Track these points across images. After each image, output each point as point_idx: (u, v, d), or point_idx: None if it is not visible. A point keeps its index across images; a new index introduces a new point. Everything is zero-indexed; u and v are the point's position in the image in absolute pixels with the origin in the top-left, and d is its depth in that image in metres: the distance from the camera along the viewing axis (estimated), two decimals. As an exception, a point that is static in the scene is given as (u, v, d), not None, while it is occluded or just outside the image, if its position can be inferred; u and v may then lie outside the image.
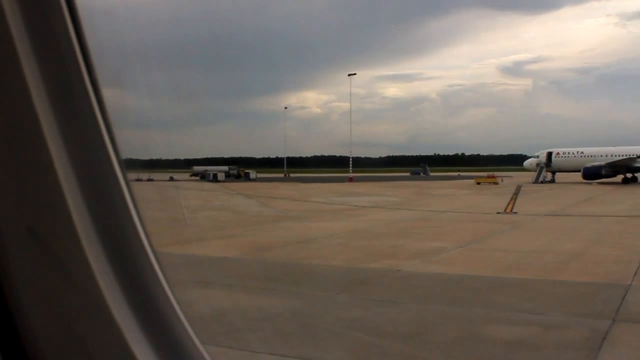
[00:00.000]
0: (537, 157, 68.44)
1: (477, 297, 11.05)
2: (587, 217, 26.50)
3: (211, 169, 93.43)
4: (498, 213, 28.55)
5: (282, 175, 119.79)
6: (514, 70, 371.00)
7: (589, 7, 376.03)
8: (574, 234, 20.31)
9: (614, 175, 62.58)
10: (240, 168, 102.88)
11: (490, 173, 70.60)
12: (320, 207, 34.50)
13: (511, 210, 29.66)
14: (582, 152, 66.27)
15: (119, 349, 1.44)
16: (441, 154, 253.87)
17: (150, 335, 1.51)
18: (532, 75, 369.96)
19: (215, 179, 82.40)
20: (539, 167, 66.20)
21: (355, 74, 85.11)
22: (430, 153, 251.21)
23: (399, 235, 20.28)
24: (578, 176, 66.76)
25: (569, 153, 66.89)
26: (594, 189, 52.44)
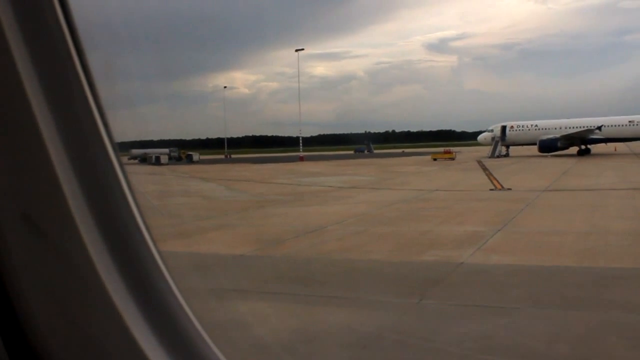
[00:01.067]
0: (492, 131, 67.86)
1: (596, 295, 9.02)
2: (591, 191, 25.12)
3: (151, 151, 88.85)
4: (491, 190, 26.92)
5: (222, 156, 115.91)
6: (440, 47, 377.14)
7: None
8: (603, 210, 18.71)
9: (568, 147, 62.67)
10: (180, 150, 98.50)
11: (447, 148, 69.63)
12: (294, 189, 32.02)
13: (502, 187, 27.96)
14: (536, 125, 66.11)
15: (121, 336, 1.41)
16: (371, 131, 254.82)
17: (151, 322, 1.48)
18: (457, 51, 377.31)
19: (158, 162, 78.19)
20: (494, 142, 65.59)
21: (303, 49, 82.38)
22: (361, 131, 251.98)
23: (414, 219, 18.14)
24: (531, 149, 66.71)
25: (523, 126, 66.60)
26: (557, 161, 52.04)
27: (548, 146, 61.98)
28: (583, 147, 62.86)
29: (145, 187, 35.55)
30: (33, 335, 1.41)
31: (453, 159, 62.83)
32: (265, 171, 54.05)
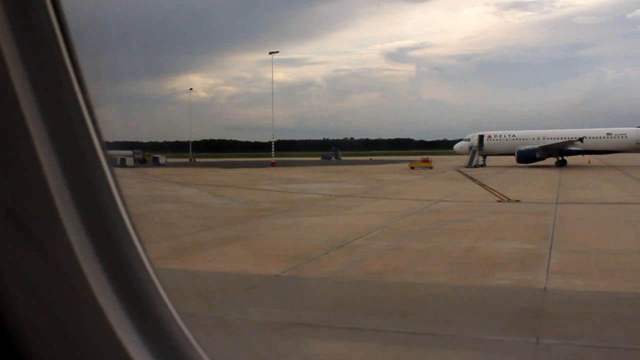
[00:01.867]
0: (469, 140, 67.07)
1: None
2: (608, 205, 24.01)
3: (114, 153, 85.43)
4: (499, 202, 25.54)
5: (187, 160, 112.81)
6: (398, 56, 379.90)
7: None
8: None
9: (546, 158, 62.30)
10: (145, 152, 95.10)
11: (425, 157, 68.50)
12: (285, 196, 30.14)
13: (507, 198, 26.62)
14: (513, 135, 65.59)
15: (106, 337, 1.41)
16: (330, 138, 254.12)
17: (137, 322, 1.48)
18: (415, 61, 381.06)
19: (123, 164, 75.02)
20: (472, 151, 64.76)
21: (277, 51, 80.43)
22: (320, 137, 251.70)
23: (444, 234, 16.52)
24: (508, 160, 66.16)
25: (500, 136, 66.00)
26: (541, 172, 51.37)
27: (527, 156, 61.47)
28: (560, 158, 62.52)
29: (128, 192, 33.17)
30: (17, 334, 1.39)
31: (431, 167, 61.70)
32: (241, 176, 51.97)
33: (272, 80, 79.93)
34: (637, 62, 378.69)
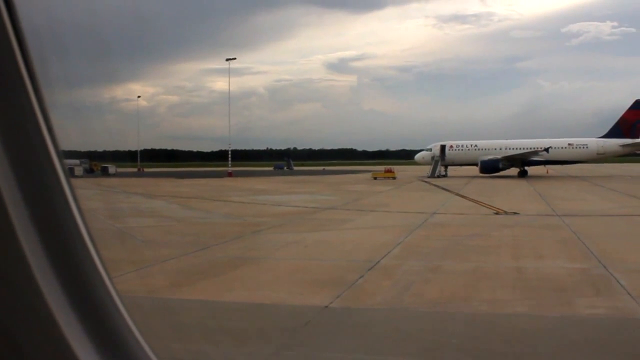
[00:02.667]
0: (430, 150, 66.48)
1: None
2: (614, 217, 23.11)
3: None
4: (497, 214, 24.32)
5: (135, 169, 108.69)
6: (340, 66, 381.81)
7: (409, 8, 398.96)
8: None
9: (509, 168, 62.23)
10: (91, 162, 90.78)
11: (388, 167, 67.38)
12: (265, 209, 28.24)
13: (504, 210, 25.46)
14: (475, 145, 65.36)
15: (57, 346, 1.38)
16: (273, 148, 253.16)
17: (90, 330, 1.45)
18: (356, 71, 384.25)
19: (72, 173, 70.42)
20: (434, 161, 64.09)
21: (234, 58, 78.08)
22: (263, 147, 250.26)
23: (475, 251, 15.07)
24: (469, 170, 65.87)
25: (462, 146, 65.65)
26: (510, 182, 50.98)
27: (490, 167, 61.22)
28: (521, 168, 62.57)
29: (85, 204, 30.53)
30: None
31: (394, 178, 60.66)
32: (203, 187, 49.61)
33: (229, 90, 77.72)
34: (572, 75, 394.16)
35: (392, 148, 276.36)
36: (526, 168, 63.15)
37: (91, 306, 1.49)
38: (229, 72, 72.20)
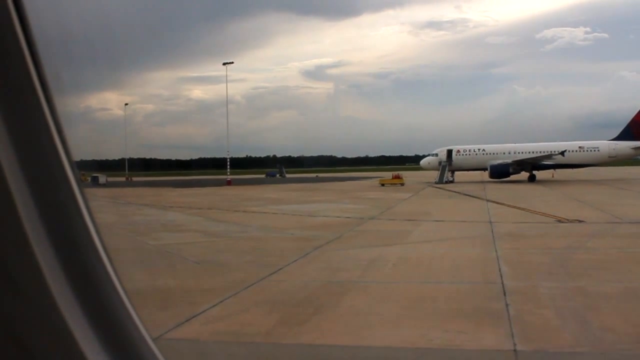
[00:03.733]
0: (436, 155, 64.52)
1: None
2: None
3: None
4: (560, 222, 22.35)
5: (123, 179, 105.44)
6: (316, 74, 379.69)
7: (385, 15, 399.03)
8: None
9: (519, 172, 60.59)
10: (80, 171, 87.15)
11: (396, 173, 65.35)
12: (303, 220, 26.02)
13: (565, 218, 23.47)
14: (483, 150, 63.59)
15: (66, 347, 1.39)
16: (252, 155, 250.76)
17: (100, 333, 1.46)
18: (333, 79, 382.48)
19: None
20: (442, 166, 62.17)
21: (232, 62, 75.55)
22: (242, 155, 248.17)
23: (600, 268, 13.02)
24: (477, 175, 64.15)
25: (469, 150, 63.88)
26: (527, 187, 49.22)
27: (500, 171, 59.51)
28: (531, 173, 60.95)
29: (99, 217, 28.01)
30: None
31: (403, 184, 58.69)
32: (211, 197, 47.15)
33: (227, 94, 75.21)
34: (546, 80, 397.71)
35: (371, 154, 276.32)
36: (534, 172, 61.46)
37: (100, 306, 1.46)
38: (226, 77, 70.12)
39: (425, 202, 36.22)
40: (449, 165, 62.60)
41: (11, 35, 1.37)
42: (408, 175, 69.24)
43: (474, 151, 63.76)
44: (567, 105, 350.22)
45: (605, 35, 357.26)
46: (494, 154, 62.53)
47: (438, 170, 63.14)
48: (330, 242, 18.18)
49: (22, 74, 1.39)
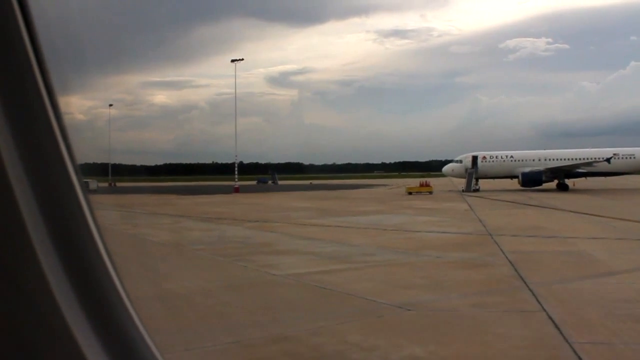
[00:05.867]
0: (460, 162, 60.31)
1: None
2: None
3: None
4: None
5: (106, 184, 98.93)
6: (281, 80, 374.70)
7: (350, 22, 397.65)
8: None
9: (551, 180, 56.90)
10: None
11: (424, 180, 61.06)
12: (416, 238, 21.32)
13: None
14: (511, 157, 59.70)
15: (66, 346, 1.39)
16: (219, 162, 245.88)
17: (104, 340, 1.46)
18: (298, 86, 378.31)
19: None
20: (468, 173, 58.00)
21: (242, 59, 70.40)
22: (208, 161, 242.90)
23: None
24: (504, 183, 60.28)
25: (496, 157, 59.92)
26: (581, 198, 45.28)
27: (533, 179, 55.69)
28: (561, 181, 57.29)
29: (152, 234, 22.95)
30: None
31: (431, 192, 54.48)
32: (237, 206, 42.08)
33: (235, 93, 69.70)
34: (509, 89, 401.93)
35: (338, 162, 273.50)
36: (570, 180, 57.77)
37: (100, 306, 1.44)
38: (235, 76, 64.98)
39: (501, 213, 31.75)
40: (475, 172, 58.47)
41: (14, 36, 1.35)
42: (385, 184, 64.87)
43: (501, 158, 59.84)
44: (529, 115, 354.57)
45: (567, 46, 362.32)
46: (522, 160, 58.73)
47: (463, 177, 59.12)
48: (532, 271, 13.55)
49: (27, 76, 1.36)
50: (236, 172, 69.42)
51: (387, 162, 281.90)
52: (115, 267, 1.53)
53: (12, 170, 1.34)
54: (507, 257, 15.66)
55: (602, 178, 61.09)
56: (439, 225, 24.99)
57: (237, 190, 64.52)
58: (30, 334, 1.35)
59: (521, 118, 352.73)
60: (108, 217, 32.85)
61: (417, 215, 31.21)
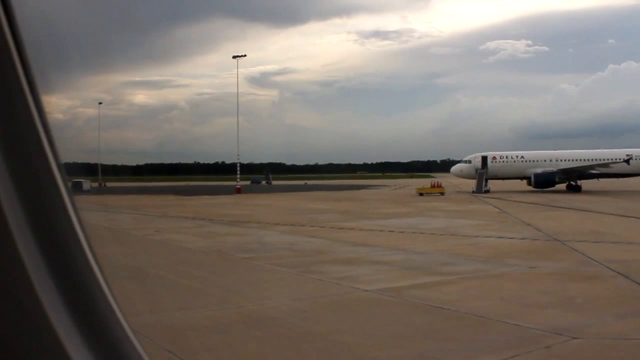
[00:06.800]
0: (469, 162, 58.65)
1: None
2: None
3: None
4: None
5: (96, 184, 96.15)
6: (261, 80, 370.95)
7: (331, 23, 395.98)
8: None
9: (564, 182, 55.52)
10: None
11: (435, 181, 59.26)
12: (481, 244, 19.51)
13: None
14: (522, 157, 58.22)
15: (51, 347, 1.38)
16: (200, 162, 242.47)
17: (84, 331, 1.45)
18: (278, 86, 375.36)
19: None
20: (479, 174, 56.39)
21: (245, 55, 67.96)
22: (190, 161, 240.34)
23: None
24: (510, 184, 58.76)
25: (506, 157, 58.38)
26: (600, 199, 43.84)
27: (545, 180, 54.26)
28: (573, 183, 55.85)
29: (188, 241, 20.92)
30: None
31: (443, 194, 52.83)
32: (252, 208, 40.01)
33: (237, 93, 67.50)
34: (489, 90, 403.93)
35: (320, 162, 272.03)
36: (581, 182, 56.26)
37: (86, 306, 1.43)
38: (237, 71, 62.61)
39: (541, 216, 30.05)
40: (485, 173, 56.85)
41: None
42: (381, 184, 63.16)
43: (512, 158, 58.32)
44: (509, 116, 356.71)
45: (546, 48, 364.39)
46: (534, 161, 57.24)
47: (472, 178, 57.62)
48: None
49: (9, 74, 1.35)
50: (238, 173, 67.03)
51: (369, 162, 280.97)
52: (100, 266, 1.47)
53: None
54: (608, 267, 13.90)
55: (603, 179, 59.55)
56: (489, 230, 23.21)
57: (239, 190, 62.34)
58: (14, 336, 1.31)
59: (500, 120, 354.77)
60: (120, 220, 30.68)
61: (452, 218, 29.41)
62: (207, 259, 16.83)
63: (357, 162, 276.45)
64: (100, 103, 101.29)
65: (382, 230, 23.61)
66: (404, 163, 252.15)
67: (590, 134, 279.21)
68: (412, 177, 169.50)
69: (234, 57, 65.57)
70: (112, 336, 1.49)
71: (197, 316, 9.99)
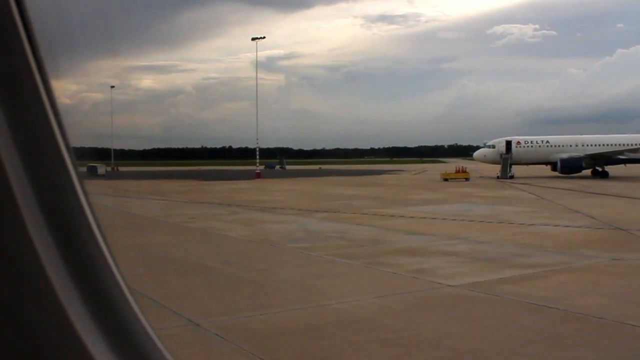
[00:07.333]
0: (493, 147, 57.37)
1: None
2: None
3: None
4: None
5: (109, 168, 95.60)
6: (268, 65, 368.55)
7: (338, 7, 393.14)
8: None
9: (591, 167, 54.25)
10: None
11: (460, 166, 57.91)
12: (549, 234, 18.51)
13: None
14: (547, 142, 56.91)
15: (70, 341, 1.35)
16: (207, 146, 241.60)
17: (102, 325, 1.41)
18: (284, 70, 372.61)
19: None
20: (503, 159, 55.21)
21: (264, 37, 66.72)
22: (197, 146, 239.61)
23: None
24: (536, 170, 57.55)
25: (531, 142, 57.10)
26: (632, 185, 42.66)
27: (572, 166, 52.99)
28: (599, 169, 54.49)
29: (229, 229, 20.02)
30: None
31: (468, 179, 51.70)
32: (280, 194, 39.11)
33: (256, 76, 66.41)
34: (496, 75, 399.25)
35: (327, 147, 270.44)
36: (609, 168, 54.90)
37: (103, 304, 1.40)
38: (256, 54, 61.47)
39: (585, 202, 28.96)
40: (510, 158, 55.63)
41: (10, 27, 1.31)
42: (396, 169, 61.90)
43: (537, 143, 57.03)
44: (515, 101, 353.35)
45: (554, 32, 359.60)
46: (560, 146, 55.90)
47: (495, 163, 56.49)
48: None
49: (21, 62, 1.32)
50: (257, 157, 66.13)
51: (376, 147, 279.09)
52: (115, 259, 1.44)
53: (8, 160, 1.29)
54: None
55: (631, 164, 58.15)
56: (540, 217, 22.19)
57: (258, 175, 61.53)
58: (29, 323, 1.30)
59: (507, 105, 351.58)
60: (149, 207, 29.81)
61: (493, 204, 28.35)
62: (258, 249, 15.91)
63: (364, 147, 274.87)
64: (112, 87, 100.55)
65: (426, 218, 22.65)
66: (411, 148, 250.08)
67: (598, 119, 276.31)
68: (422, 162, 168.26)
69: (253, 39, 64.22)
70: (131, 330, 1.44)
71: (279, 317, 9.05)
